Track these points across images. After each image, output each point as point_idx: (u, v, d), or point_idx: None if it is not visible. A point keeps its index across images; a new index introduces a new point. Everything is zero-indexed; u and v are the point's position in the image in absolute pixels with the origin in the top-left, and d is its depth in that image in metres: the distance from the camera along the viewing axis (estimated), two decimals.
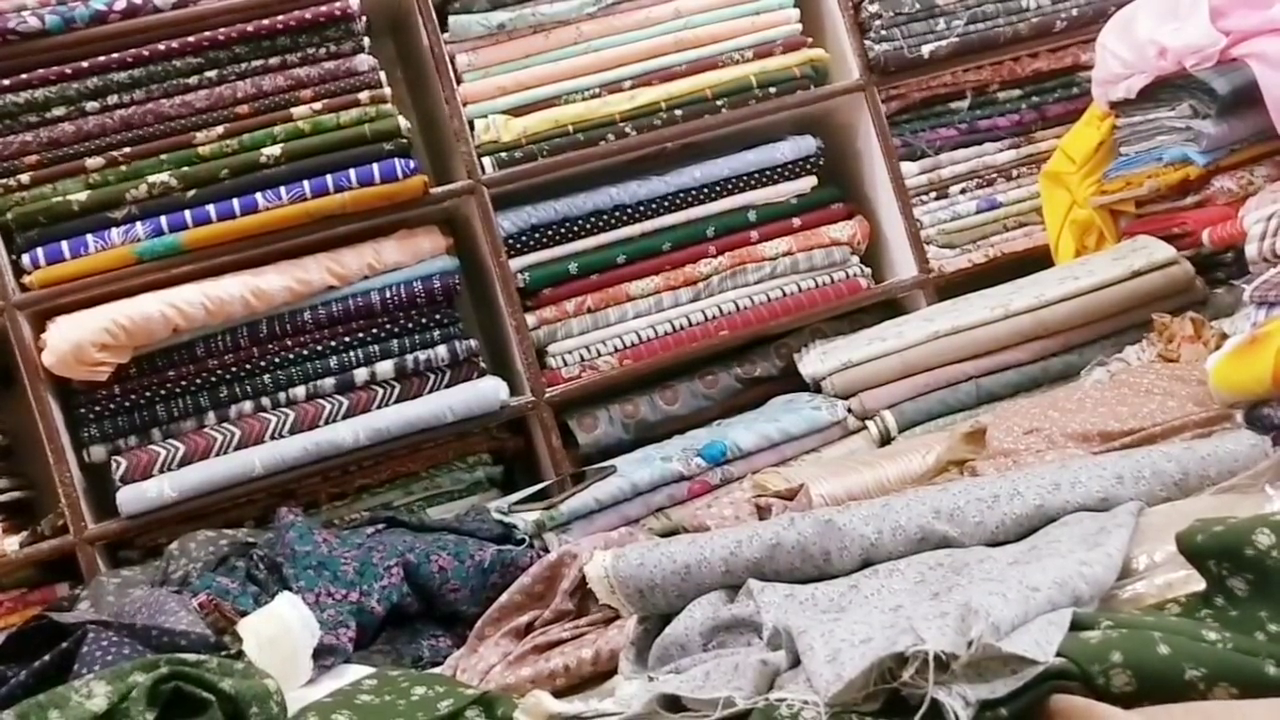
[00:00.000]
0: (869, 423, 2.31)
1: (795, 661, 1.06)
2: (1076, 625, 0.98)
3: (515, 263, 2.57)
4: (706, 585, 1.34)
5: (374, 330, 2.46)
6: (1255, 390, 1.44)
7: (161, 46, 2.39)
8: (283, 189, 2.40)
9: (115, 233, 2.35)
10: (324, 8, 2.45)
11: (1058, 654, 0.93)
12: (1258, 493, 1.22)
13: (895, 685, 0.92)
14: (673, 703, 1.07)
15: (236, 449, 2.36)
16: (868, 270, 2.76)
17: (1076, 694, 0.91)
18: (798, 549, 1.31)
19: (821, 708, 0.92)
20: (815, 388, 2.45)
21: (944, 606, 0.98)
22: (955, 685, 0.90)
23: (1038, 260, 2.62)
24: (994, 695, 0.90)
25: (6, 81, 2.33)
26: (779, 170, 2.74)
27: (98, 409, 2.36)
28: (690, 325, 2.64)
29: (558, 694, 1.56)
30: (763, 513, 1.79)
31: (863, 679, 0.92)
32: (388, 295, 2.46)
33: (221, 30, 2.41)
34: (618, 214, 2.62)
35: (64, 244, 2.33)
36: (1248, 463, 1.32)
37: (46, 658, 1.38)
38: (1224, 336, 1.88)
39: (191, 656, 1.18)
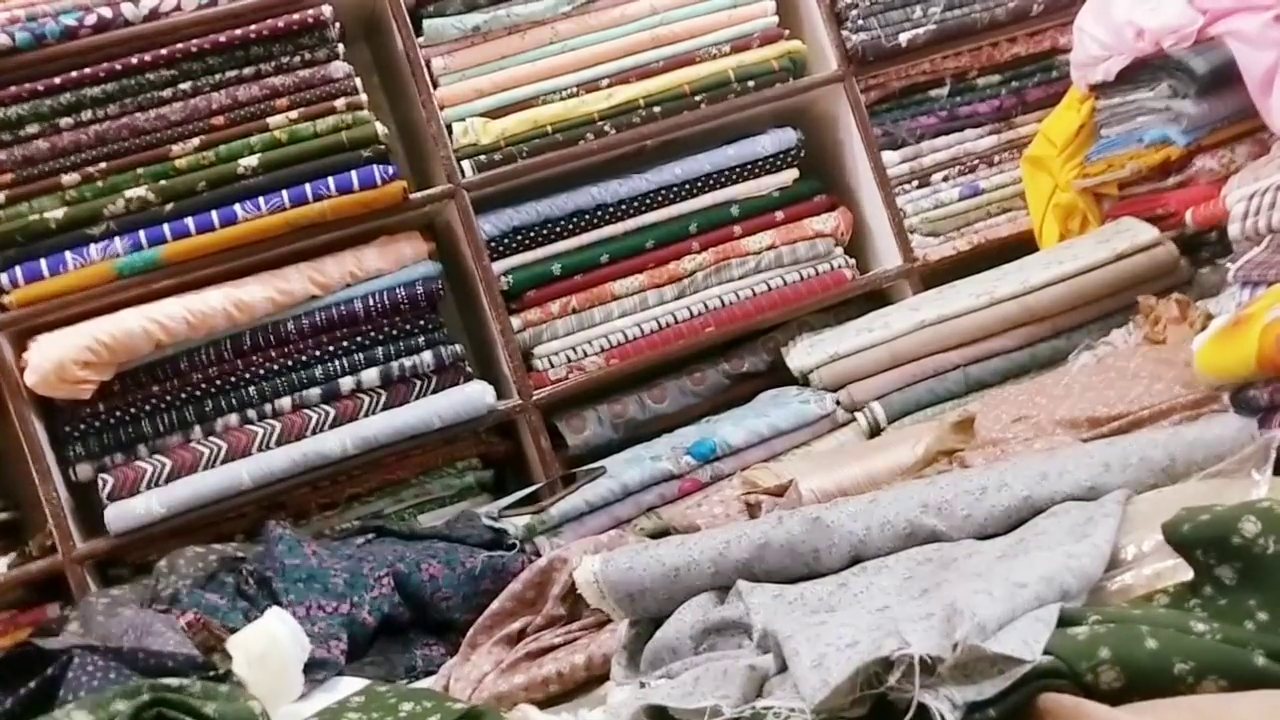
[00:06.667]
0: (858, 415, 2.31)
1: (784, 665, 1.05)
2: (1064, 621, 0.97)
3: (498, 266, 2.55)
4: (696, 587, 1.34)
5: (358, 338, 2.45)
6: (1240, 373, 1.43)
7: (134, 60, 2.37)
8: (261, 199, 2.38)
9: (94, 249, 2.34)
10: (297, 16, 2.43)
11: (1045, 651, 0.92)
12: (1244, 478, 1.22)
13: (882, 690, 0.91)
14: (660, 712, 1.06)
15: (224, 462, 2.34)
16: (852, 261, 2.75)
17: (1065, 692, 0.90)
18: (786, 548, 1.31)
19: (808, 715, 0.91)
20: (803, 381, 2.45)
21: (929, 607, 0.97)
22: (942, 688, 0.89)
23: (1022, 245, 2.61)
24: (981, 696, 0.89)
25: None
26: (760, 164, 2.73)
27: (82, 427, 2.34)
28: (676, 323, 2.63)
29: (551, 700, 1.56)
30: (753, 510, 1.78)
31: (849, 684, 0.91)
32: (371, 303, 2.44)
33: (194, 41, 2.40)
34: (599, 213, 2.61)
35: (42, 262, 2.32)
36: (1234, 447, 1.31)
37: (32, 684, 1.37)
38: (1209, 317, 1.88)
39: (175, 681, 1.17)
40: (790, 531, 1.31)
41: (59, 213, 2.33)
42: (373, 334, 2.46)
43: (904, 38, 2.72)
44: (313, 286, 2.42)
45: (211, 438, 2.37)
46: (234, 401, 2.39)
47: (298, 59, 2.45)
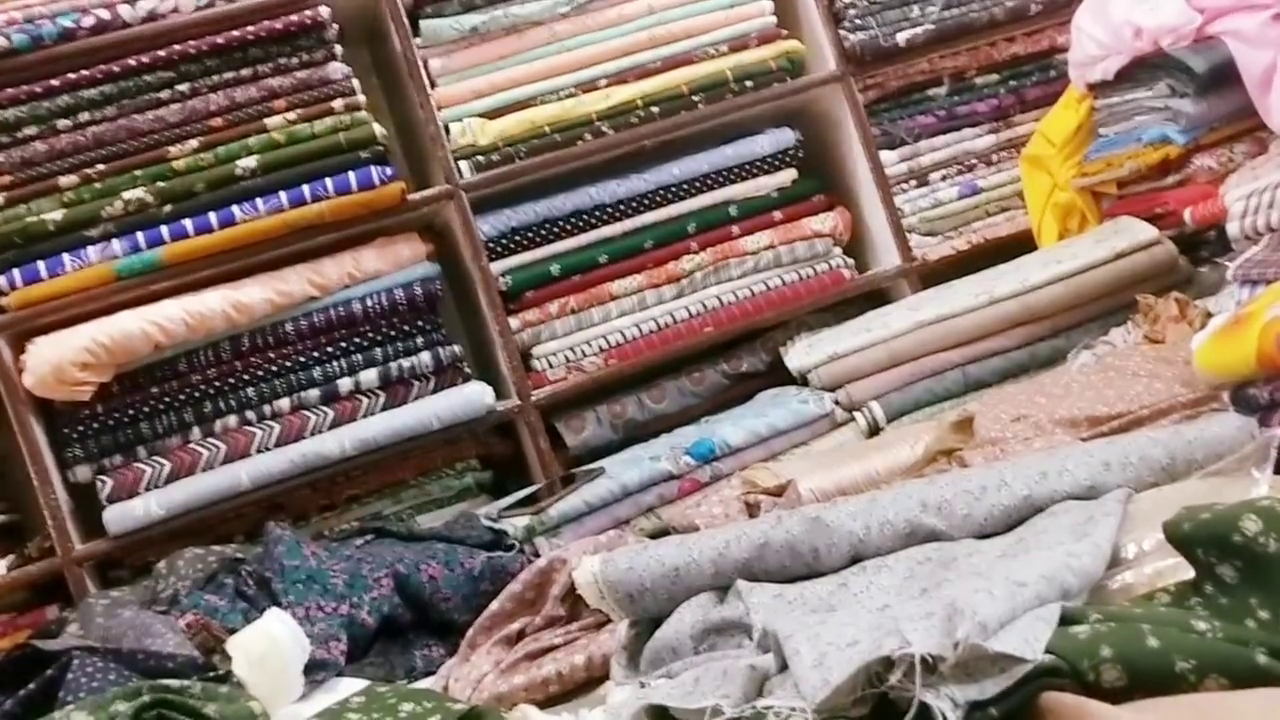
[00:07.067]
0: (857, 414, 2.30)
1: (784, 665, 1.05)
2: (1065, 620, 0.97)
3: (496, 266, 2.55)
4: (696, 587, 1.34)
5: (357, 339, 2.45)
6: (1240, 371, 1.44)
7: (132, 61, 2.36)
8: (260, 201, 2.38)
9: (92, 251, 2.33)
10: (295, 17, 2.43)
11: (1047, 650, 0.92)
12: (1244, 477, 1.22)
13: (883, 689, 0.91)
14: (661, 712, 1.06)
15: (223, 464, 2.34)
16: (850, 261, 2.75)
17: (1067, 690, 0.90)
18: (786, 547, 1.31)
19: (809, 714, 0.91)
20: (802, 381, 2.44)
21: (930, 606, 0.97)
22: (944, 687, 0.89)
23: (1021, 245, 2.61)
24: (983, 695, 0.89)
25: None
26: (758, 164, 2.72)
27: (81, 429, 2.33)
28: (675, 323, 2.63)
29: (551, 700, 1.56)
30: (752, 510, 1.78)
31: (850, 683, 0.91)
32: (369, 304, 2.44)
33: (192, 43, 2.39)
34: (598, 214, 2.61)
35: (41, 264, 2.31)
36: (1234, 445, 1.31)
37: (32, 686, 1.37)
38: (1209, 316, 1.88)
39: (175, 682, 1.17)
40: (790, 531, 1.30)
41: (57, 214, 2.32)
42: (371, 335, 2.45)
43: (902, 37, 2.72)
44: (311, 288, 2.41)
45: (210, 439, 2.36)
46: (233, 403, 2.39)
47: (295, 60, 2.45)
